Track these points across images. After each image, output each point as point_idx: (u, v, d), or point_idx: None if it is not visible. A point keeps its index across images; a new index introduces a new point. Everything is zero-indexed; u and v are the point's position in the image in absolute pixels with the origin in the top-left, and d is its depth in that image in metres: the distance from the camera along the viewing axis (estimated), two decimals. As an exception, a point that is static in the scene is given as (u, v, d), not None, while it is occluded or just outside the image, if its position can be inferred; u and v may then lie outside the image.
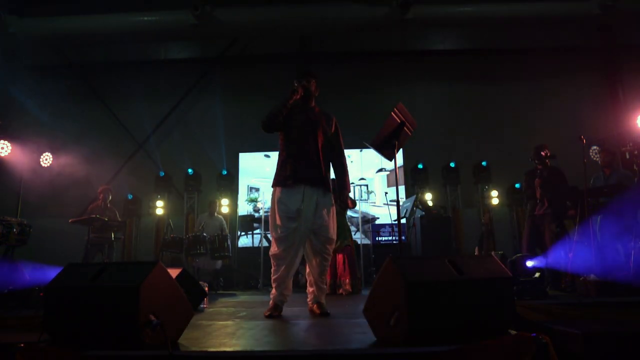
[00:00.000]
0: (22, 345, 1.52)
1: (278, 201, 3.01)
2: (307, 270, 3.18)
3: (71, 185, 8.39)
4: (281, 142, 3.15)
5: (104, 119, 9.24)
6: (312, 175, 3.02)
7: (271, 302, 3.04)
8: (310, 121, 3.12)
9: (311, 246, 3.09)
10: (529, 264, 4.16)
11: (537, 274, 4.03)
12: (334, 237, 3.11)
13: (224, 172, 8.59)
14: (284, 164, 3.08)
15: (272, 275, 3.05)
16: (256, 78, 9.19)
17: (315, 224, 3.00)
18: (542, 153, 4.87)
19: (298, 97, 3.05)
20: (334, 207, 3.17)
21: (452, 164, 8.56)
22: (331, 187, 3.16)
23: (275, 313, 2.94)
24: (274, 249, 3.02)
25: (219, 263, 6.89)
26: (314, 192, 3.02)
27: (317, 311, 3.00)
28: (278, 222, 2.99)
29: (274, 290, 3.05)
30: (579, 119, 8.77)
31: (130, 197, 8.57)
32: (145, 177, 8.88)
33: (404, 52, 9.40)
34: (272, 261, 3.05)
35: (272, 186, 3.12)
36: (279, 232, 2.98)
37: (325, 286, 3.17)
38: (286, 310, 3.09)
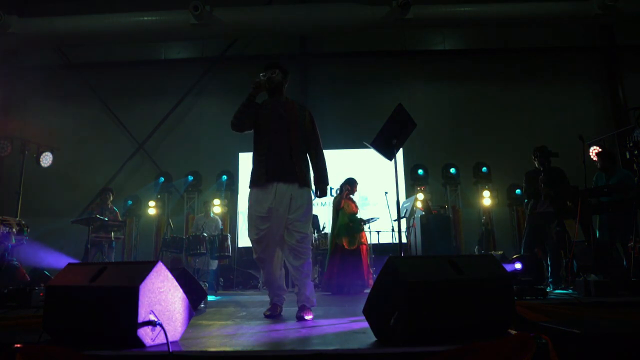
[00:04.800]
0: (22, 345, 1.52)
1: (252, 201, 2.92)
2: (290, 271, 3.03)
3: (71, 185, 8.40)
4: (254, 140, 3.01)
5: (104, 119, 9.24)
6: (285, 172, 2.87)
7: (270, 302, 3.05)
8: (280, 115, 2.95)
9: (286, 244, 2.89)
10: (517, 266, 4.16)
11: (517, 265, 4.06)
12: (307, 232, 2.92)
13: (224, 178, 8.57)
14: (256, 162, 2.95)
15: (262, 278, 3.03)
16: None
17: (288, 220, 2.84)
18: (545, 152, 4.87)
19: (262, 90, 2.89)
20: (311, 204, 2.99)
21: (452, 171, 8.54)
22: (310, 181, 3.00)
23: (275, 312, 2.92)
24: (254, 253, 2.96)
25: (215, 263, 6.89)
26: (287, 188, 2.86)
27: (298, 314, 2.77)
28: (252, 223, 2.90)
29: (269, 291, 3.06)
30: (579, 119, 8.79)
31: (129, 203, 8.54)
32: (145, 177, 8.89)
33: (404, 52, 9.40)
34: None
35: (249, 187, 2.98)
36: (253, 234, 2.89)
37: (308, 282, 2.91)
38: (286, 311, 3.09)
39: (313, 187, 3.06)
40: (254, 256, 2.97)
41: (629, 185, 4.48)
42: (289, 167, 2.89)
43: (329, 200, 6.55)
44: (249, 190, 2.99)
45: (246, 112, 2.90)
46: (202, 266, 6.72)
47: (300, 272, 2.87)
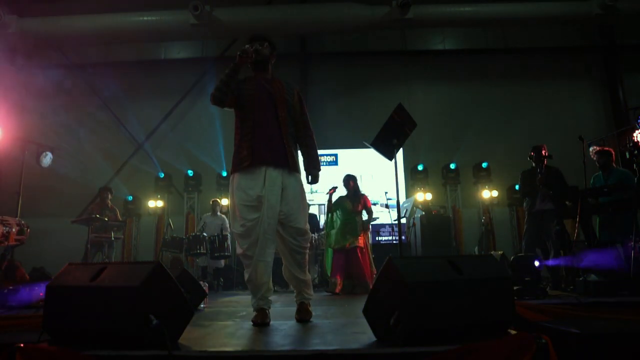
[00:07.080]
0: (22, 345, 1.52)
1: (236, 188, 2.55)
2: (284, 264, 2.73)
3: (71, 185, 8.40)
4: (235, 121, 2.69)
5: (104, 119, 9.24)
6: (273, 154, 2.55)
7: (255, 307, 2.56)
8: (267, 92, 2.66)
9: (281, 240, 2.63)
10: (537, 264, 4.13)
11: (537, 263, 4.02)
12: (306, 227, 2.64)
13: (224, 174, 8.59)
14: (239, 145, 2.61)
15: (244, 276, 2.57)
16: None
17: (282, 213, 2.53)
18: (542, 152, 4.88)
19: (248, 61, 2.60)
20: (304, 192, 2.71)
21: (452, 166, 8.57)
22: (299, 167, 2.72)
23: (264, 320, 2.48)
24: (238, 248, 2.55)
25: (221, 262, 6.90)
26: (277, 174, 2.55)
27: (296, 316, 2.63)
28: (237, 214, 2.53)
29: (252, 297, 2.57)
30: (578, 119, 8.79)
31: (130, 198, 8.57)
32: (145, 177, 8.89)
33: (404, 52, 9.40)
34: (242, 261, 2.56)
35: (230, 173, 2.66)
36: (239, 226, 2.51)
37: (307, 278, 2.72)
38: (286, 310, 3.08)
39: (302, 173, 2.78)
40: (238, 251, 2.55)
41: (628, 184, 4.48)
42: (279, 148, 2.58)
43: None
44: (231, 176, 2.64)
45: (230, 83, 2.58)
46: (203, 264, 6.73)
47: (300, 265, 2.66)
